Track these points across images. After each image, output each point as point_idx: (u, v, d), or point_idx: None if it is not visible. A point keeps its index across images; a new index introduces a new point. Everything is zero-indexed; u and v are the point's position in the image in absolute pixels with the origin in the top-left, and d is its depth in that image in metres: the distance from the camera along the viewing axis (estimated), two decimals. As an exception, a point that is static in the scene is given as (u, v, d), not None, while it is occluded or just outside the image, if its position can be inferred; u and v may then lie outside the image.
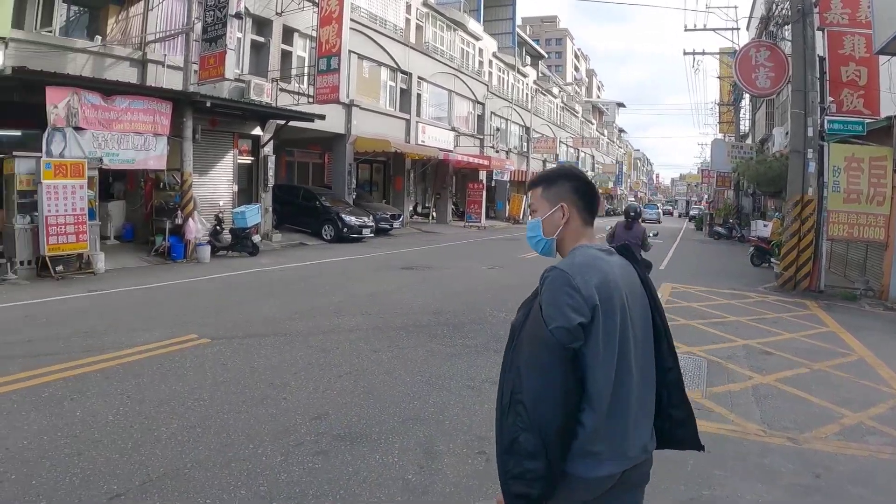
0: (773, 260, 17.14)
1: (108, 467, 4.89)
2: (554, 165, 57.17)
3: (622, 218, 11.19)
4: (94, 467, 4.88)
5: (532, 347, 2.22)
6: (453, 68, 37.19)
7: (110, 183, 20.06)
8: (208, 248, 18.36)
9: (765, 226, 23.50)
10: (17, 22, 16.58)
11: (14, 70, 14.39)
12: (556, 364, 2.15)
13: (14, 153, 14.85)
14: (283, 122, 22.62)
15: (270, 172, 23.11)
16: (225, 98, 19.86)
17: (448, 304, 12.15)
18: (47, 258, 14.29)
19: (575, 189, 2.51)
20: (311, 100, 23.30)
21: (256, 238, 19.69)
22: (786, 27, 20.08)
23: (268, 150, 23.11)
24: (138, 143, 17.11)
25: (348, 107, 27.30)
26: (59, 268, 14.53)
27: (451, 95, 37.31)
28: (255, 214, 20.00)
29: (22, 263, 14.36)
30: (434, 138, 34.39)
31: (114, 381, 6.92)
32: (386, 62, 30.61)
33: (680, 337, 9.48)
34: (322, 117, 22.84)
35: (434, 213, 37.22)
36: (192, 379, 7.15)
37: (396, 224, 28.91)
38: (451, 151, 34.99)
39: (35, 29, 17.16)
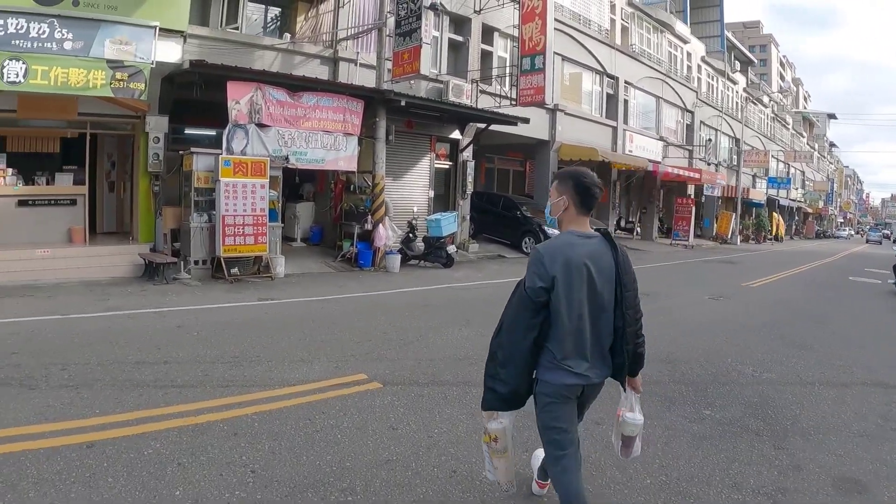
0: None
1: None
2: (763, 180, 51.45)
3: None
4: None
5: (516, 297, 3.36)
6: (661, 73, 32.91)
7: (297, 183, 18.23)
8: (398, 258, 15.81)
9: None
10: (202, 19, 15.32)
11: (192, 64, 12.78)
12: (525, 310, 3.27)
13: (192, 149, 13.37)
14: (483, 125, 19.81)
15: (469, 178, 20.31)
16: (421, 97, 17.34)
17: (680, 349, 8.83)
18: (222, 259, 12.76)
19: (574, 187, 3.36)
20: (513, 102, 20.30)
21: (451, 248, 16.93)
22: None
23: (467, 154, 20.37)
24: (327, 143, 14.97)
25: (552, 111, 24.06)
26: (235, 270, 13.00)
27: (658, 102, 32.99)
28: (452, 223, 17.23)
29: (196, 263, 13.19)
30: (642, 148, 30.32)
31: (242, 441, 4.89)
32: (591, 65, 27.07)
33: None
34: (526, 120, 19.80)
35: (639, 229, 33.06)
36: (346, 449, 4.85)
37: (602, 239, 25.18)
38: (659, 163, 30.79)
39: (220, 26, 15.62)
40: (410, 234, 16.91)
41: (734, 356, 8.65)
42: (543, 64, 19.67)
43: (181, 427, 5.08)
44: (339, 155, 15.25)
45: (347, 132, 15.36)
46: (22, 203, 13.56)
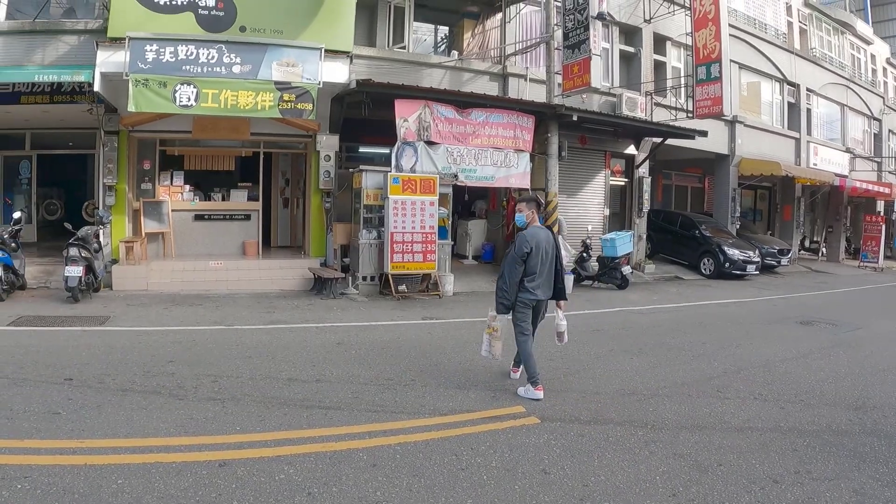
0: None
1: None
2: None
3: None
4: None
5: (511, 257, 6.16)
6: (844, 78, 28.95)
7: (468, 201, 17.03)
8: (571, 278, 14.06)
9: None
10: (369, 40, 14.64)
11: (359, 83, 11.96)
12: (516, 264, 6.08)
13: (361, 167, 12.72)
14: (659, 139, 17.68)
15: (646, 196, 18.22)
16: (593, 112, 15.60)
17: (872, 393, 7.00)
18: (390, 276, 12.24)
19: (536, 205, 6.45)
20: (690, 115, 18.09)
21: (626, 269, 14.97)
22: None
23: (643, 170, 18.31)
24: (498, 160, 13.64)
25: (731, 123, 21.37)
26: (402, 287, 12.20)
27: (843, 110, 29.02)
28: (627, 242, 15.28)
29: (364, 279, 12.54)
30: (827, 161, 26.63)
31: (379, 474, 4.34)
32: (769, 72, 24.05)
33: None
34: (704, 134, 17.46)
35: (824, 250, 29.15)
36: (490, 493, 4.15)
37: (784, 261, 21.90)
38: (846, 177, 26.99)
39: (388, 47, 14.76)
40: (584, 254, 15.16)
41: (936, 402, 6.73)
42: (720, 72, 17.42)
43: (319, 453, 4.63)
44: (510, 172, 13.87)
45: (518, 148, 13.96)
46: (198, 217, 13.79)
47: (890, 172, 32.58)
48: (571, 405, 6.01)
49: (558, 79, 15.15)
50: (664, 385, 6.86)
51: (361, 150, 15.21)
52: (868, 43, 32.42)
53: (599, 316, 11.33)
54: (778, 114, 24.91)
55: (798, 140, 25.28)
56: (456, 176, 12.97)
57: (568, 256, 14.27)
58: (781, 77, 24.65)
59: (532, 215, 6.29)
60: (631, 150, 18.06)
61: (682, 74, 19.75)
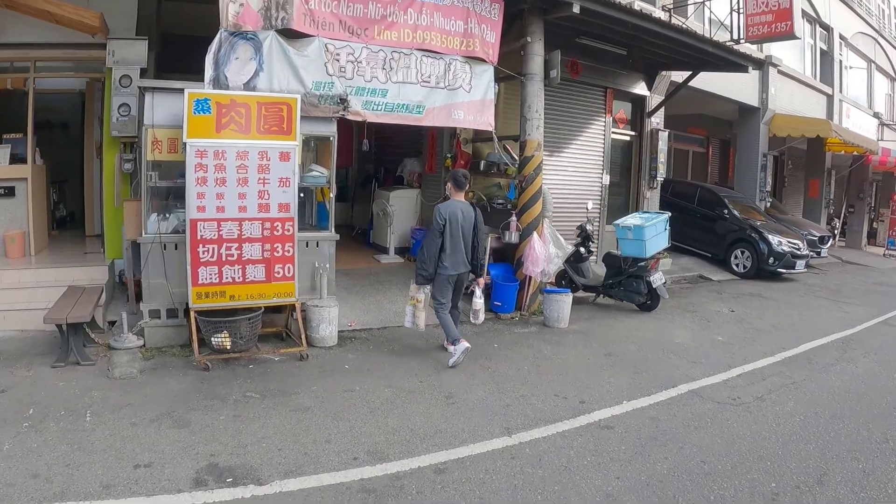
0: None
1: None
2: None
3: None
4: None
5: (429, 232, 6.11)
6: (874, 28, 23.02)
7: (369, 150, 10.06)
8: (568, 300, 7.59)
9: None
10: None
11: None
12: (434, 237, 5.95)
13: (142, 82, 5.96)
14: (686, 74, 11.24)
15: (661, 157, 11.72)
16: (606, 2, 8.94)
17: None
18: (193, 315, 5.58)
19: (452, 181, 6.21)
20: (736, 40, 11.88)
21: (657, 278, 8.61)
22: None
23: (657, 120, 11.85)
24: (432, 74, 7.08)
25: (762, 66, 15.19)
26: (220, 339, 5.33)
27: (870, 67, 23.15)
28: (662, 233, 8.75)
29: (157, 316, 6.02)
30: (858, 126, 20.66)
31: None
32: (802, 6, 17.92)
33: None
34: (759, 64, 11.33)
35: (844, 233, 23.21)
36: None
37: (824, 251, 16.00)
38: (888, 148, 21.05)
39: None
40: (582, 249, 8.83)
41: None
42: (789, -27, 11.41)
43: None
44: (457, 98, 7.29)
45: (472, 54, 7.43)
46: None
47: (908, 144, 26.86)
48: None
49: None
50: None
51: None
52: (891, -9, 26.51)
53: (662, 435, 4.53)
54: (809, 62, 18.78)
55: (831, 97, 19.27)
56: (345, 101, 6.37)
57: (562, 255, 7.96)
58: (814, 16, 18.49)
59: (451, 190, 6.25)
60: (641, 89, 11.52)
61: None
